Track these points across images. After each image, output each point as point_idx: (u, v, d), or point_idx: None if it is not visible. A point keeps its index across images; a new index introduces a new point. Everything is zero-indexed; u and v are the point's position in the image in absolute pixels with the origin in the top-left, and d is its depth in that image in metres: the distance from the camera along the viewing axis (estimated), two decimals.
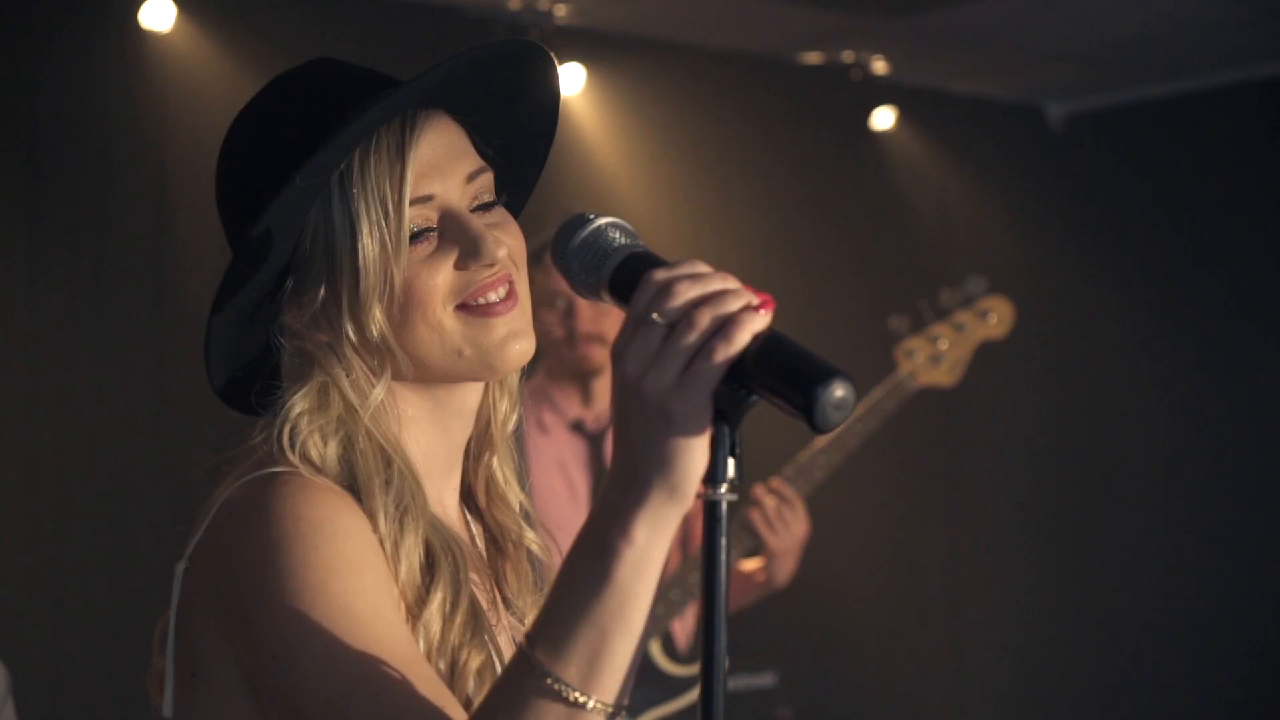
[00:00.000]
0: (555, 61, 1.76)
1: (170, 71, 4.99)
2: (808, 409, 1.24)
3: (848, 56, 6.34)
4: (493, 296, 1.64)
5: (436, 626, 1.56)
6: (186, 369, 4.93)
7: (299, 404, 1.63)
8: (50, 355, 4.87)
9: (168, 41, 4.98)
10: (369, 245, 1.60)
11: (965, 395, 6.50)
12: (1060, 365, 6.84)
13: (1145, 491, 6.67)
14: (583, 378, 4.26)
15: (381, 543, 1.57)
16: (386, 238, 1.60)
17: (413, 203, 1.62)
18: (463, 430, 1.74)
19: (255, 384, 1.69)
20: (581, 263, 1.45)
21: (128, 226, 5.00)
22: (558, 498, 4.24)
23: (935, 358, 4.33)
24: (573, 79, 5.77)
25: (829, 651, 6.22)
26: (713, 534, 1.30)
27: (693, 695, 4.23)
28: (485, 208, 1.68)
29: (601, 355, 4.21)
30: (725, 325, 1.29)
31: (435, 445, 1.71)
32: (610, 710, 1.38)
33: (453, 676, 1.55)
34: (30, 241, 4.86)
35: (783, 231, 6.27)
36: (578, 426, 4.29)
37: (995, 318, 4.39)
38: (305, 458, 1.60)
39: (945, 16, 5.90)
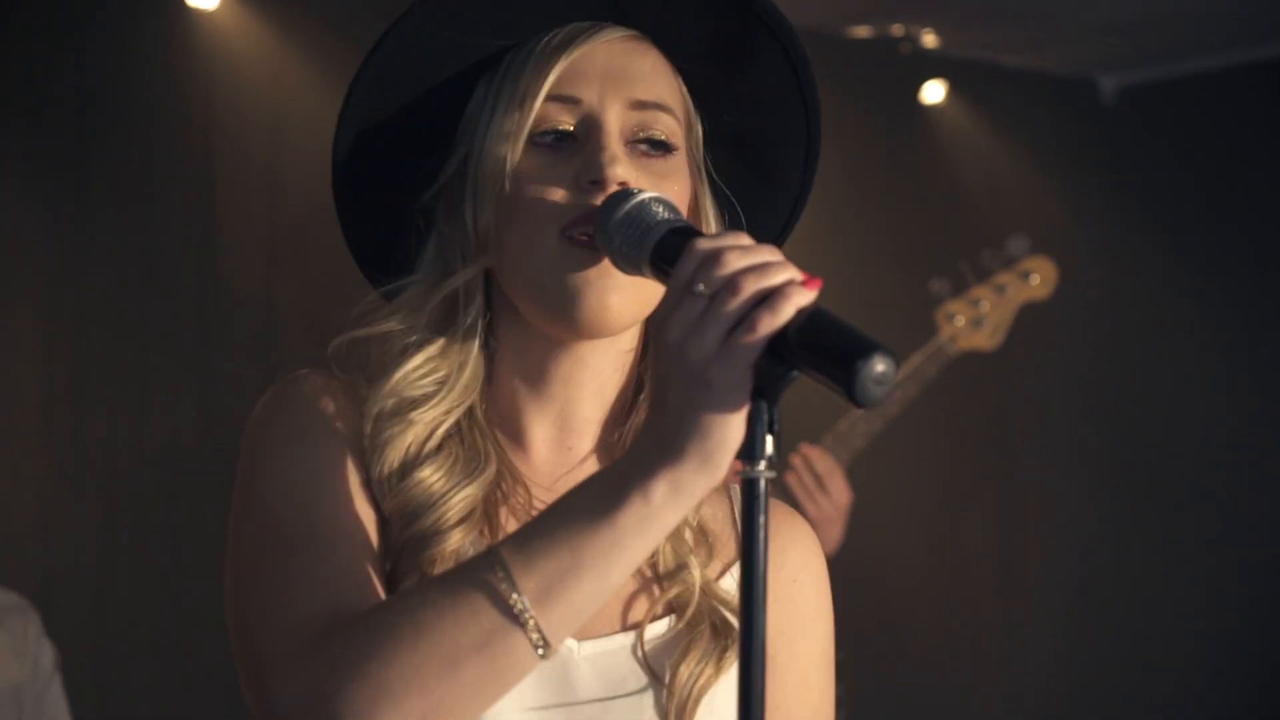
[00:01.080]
0: (782, 19, 1.60)
1: (216, 50, 5.02)
2: (848, 383, 1.23)
3: (897, 30, 6.29)
4: (592, 231, 1.50)
5: (403, 510, 1.50)
6: (233, 345, 4.99)
7: (414, 287, 1.59)
8: (97, 332, 4.91)
9: (214, 19, 5.01)
10: (496, 128, 1.53)
11: (1016, 361, 6.45)
12: (1112, 333, 6.75)
13: (1203, 461, 6.58)
14: None
15: (375, 413, 1.52)
16: (512, 124, 1.52)
17: (552, 98, 1.53)
18: (564, 388, 1.59)
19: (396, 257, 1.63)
20: (624, 236, 1.44)
21: (174, 204, 5.04)
22: None
23: (976, 321, 4.30)
24: None
25: (878, 631, 6.16)
26: (751, 512, 1.28)
27: None
28: (649, 148, 1.55)
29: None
30: (771, 296, 1.27)
31: (525, 396, 1.60)
32: (543, 646, 1.33)
33: (410, 553, 1.49)
34: (77, 220, 4.90)
35: (829, 208, 6.20)
36: None
37: (1038, 278, 4.35)
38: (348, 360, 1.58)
39: None
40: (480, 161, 1.54)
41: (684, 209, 1.57)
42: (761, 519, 1.27)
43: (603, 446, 1.64)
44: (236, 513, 1.51)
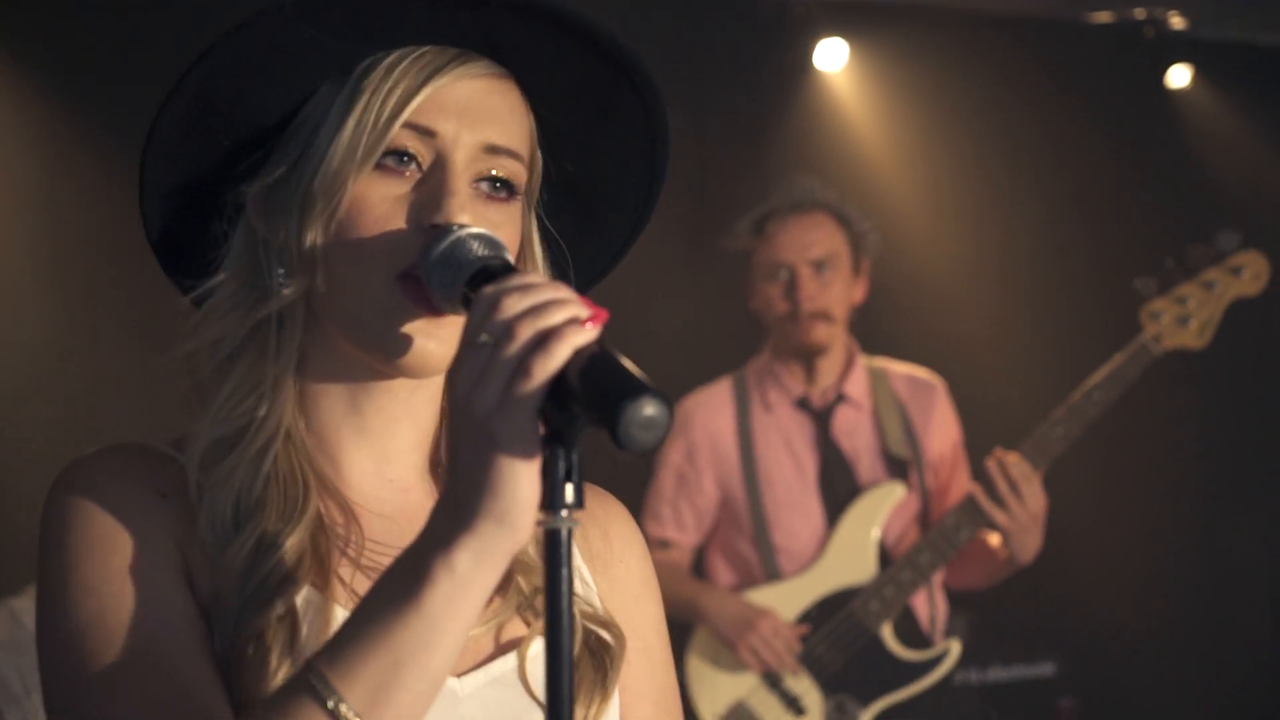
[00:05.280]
0: (650, 81, 1.51)
1: None
2: (612, 426, 1.17)
3: (1140, 13, 5.99)
4: None
5: (236, 564, 1.42)
6: None
7: (222, 290, 1.50)
8: None
9: None
10: (344, 140, 1.44)
11: (1265, 361, 6.06)
12: None
13: None
14: (806, 354, 4.14)
15: (199, 460, 1.45)
16: (362, 140, 1.44)
17: (409, 126, 1.45)
18: (379, 417, 1.53)
19: (193, 249, 1.55)
20: (439, 276, 1.39)
21: None
22: (785, 476, 4.13)
23: (1182, 319, 4.03)
24: (834, 55, 5.62)
25: (1116, 641, 5.86)
26: (554, 563, 1.22)
27: (927, 680, 4.04)
28: (492, 191, 1.48)
29: (825, 332, 4.09)
30: (545, 339, 1.21)
31: (342, 424, 1.52)
32: None
33: (247, 614, 1.40)
34: None
35: (1069, 204, 5.95)
36: (803, 403, 4.17)
37: (1249, 273, 4.06)
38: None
39: None
40: (317, 174, 1.45)
41: (514, 249, 1.50)
42: (565, 571, 1.21)
43: (430, 473, 1.59)
44: (47, 634, 1.41)
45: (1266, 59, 6.27)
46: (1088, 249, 5.91)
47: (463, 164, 1.46)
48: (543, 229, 1.59)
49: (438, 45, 1.48)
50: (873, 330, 4.39)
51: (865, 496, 4.09)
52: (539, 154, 1.56)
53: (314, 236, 1.46)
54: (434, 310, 1.43)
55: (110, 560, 1.40)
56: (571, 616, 1.21)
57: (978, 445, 4.15)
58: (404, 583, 1.26)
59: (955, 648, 4.07)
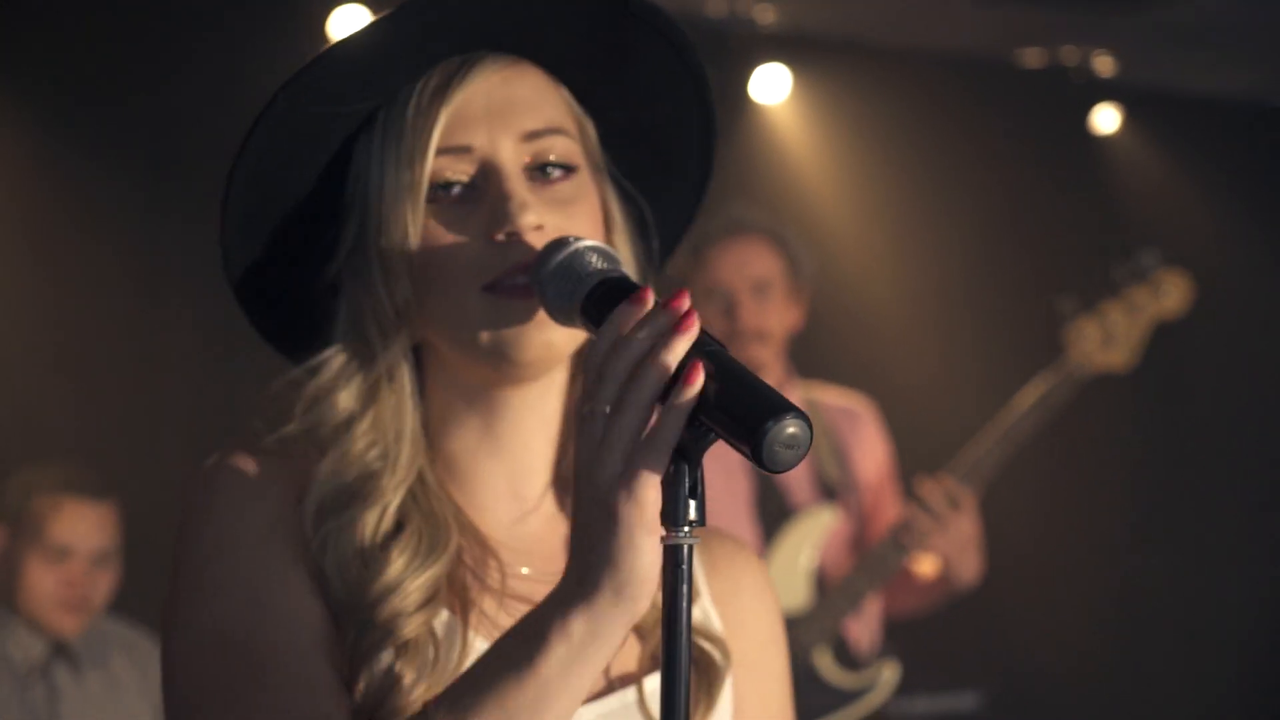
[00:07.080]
0: (657, 11, 1.50)
1: None
2: (755, 445, 1.17)
3: (1069, 55, 6.06)
4: (521, 279, 1.43)
5: (371, 594, 1.42)
6: None
7: (332, 363, 1.51)
8: None
9: None
10: (391, 193, 1.45)
11: (1194, 387, 6.12)
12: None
13: None
14: None
15: (315, 508, 1.45)
16: (403, 183, 1.44)
17: (444, 152, 1.45)
18: (515, 434, 1.53)
19: (310, 329, 1.56)
20: (556, 288, 1.39)
21: None
22: (718, 499, 4.11)
23: (1107, 340, 4.03)
24: (778, 85, 5.65)
25: (1037, 672, 5.89)
26: (674, 580, 1.22)
27: (863, 706, 4.03)
28: (550, 174, 1.48)
29: (764, 353, 4.08)
30: (666, 400, 1.21)
31: (476, 451, 1.53)
32: None
33: (383, 633, 1.41)
34: None
35: (1001, 236, 6.02)
36: None
37: (1172, 292, 4.07)
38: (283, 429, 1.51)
39: (1180, 8, 5.57)
40: (381, 231, 1.47)
41: (598, 222, 1.52)
42: (685, 588, 1.22)
43: (554, 493, 1.59)
44: (180, 625, 1.42)
45: (1197, 106, 6.35)
46: (1019, 279, 5.97)
47: (509, 162, 1.46)
48: (621, 189, 1.58)
49: (442, 64, 1.48)
50: (806, 354, 4.40)
51: (797, 521, 4.07)
52: (586, 121, 1.56)
53: (402, 289, 1.47)
54: (530, 299, 1.42)
55: (251, 563, 1.41)
56: (690, 633, 1.21)
57: (911, 468, 4.16)
58: (523, 643, 1.27)
59: (889, 672, 4.05)
